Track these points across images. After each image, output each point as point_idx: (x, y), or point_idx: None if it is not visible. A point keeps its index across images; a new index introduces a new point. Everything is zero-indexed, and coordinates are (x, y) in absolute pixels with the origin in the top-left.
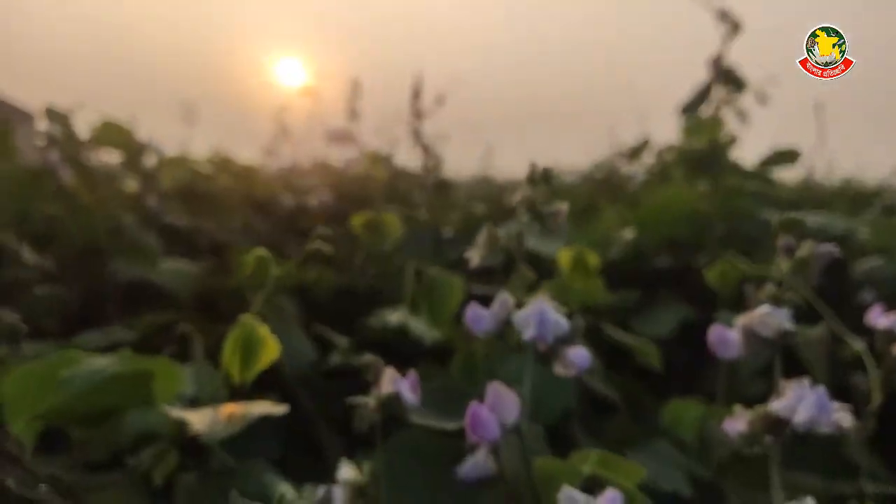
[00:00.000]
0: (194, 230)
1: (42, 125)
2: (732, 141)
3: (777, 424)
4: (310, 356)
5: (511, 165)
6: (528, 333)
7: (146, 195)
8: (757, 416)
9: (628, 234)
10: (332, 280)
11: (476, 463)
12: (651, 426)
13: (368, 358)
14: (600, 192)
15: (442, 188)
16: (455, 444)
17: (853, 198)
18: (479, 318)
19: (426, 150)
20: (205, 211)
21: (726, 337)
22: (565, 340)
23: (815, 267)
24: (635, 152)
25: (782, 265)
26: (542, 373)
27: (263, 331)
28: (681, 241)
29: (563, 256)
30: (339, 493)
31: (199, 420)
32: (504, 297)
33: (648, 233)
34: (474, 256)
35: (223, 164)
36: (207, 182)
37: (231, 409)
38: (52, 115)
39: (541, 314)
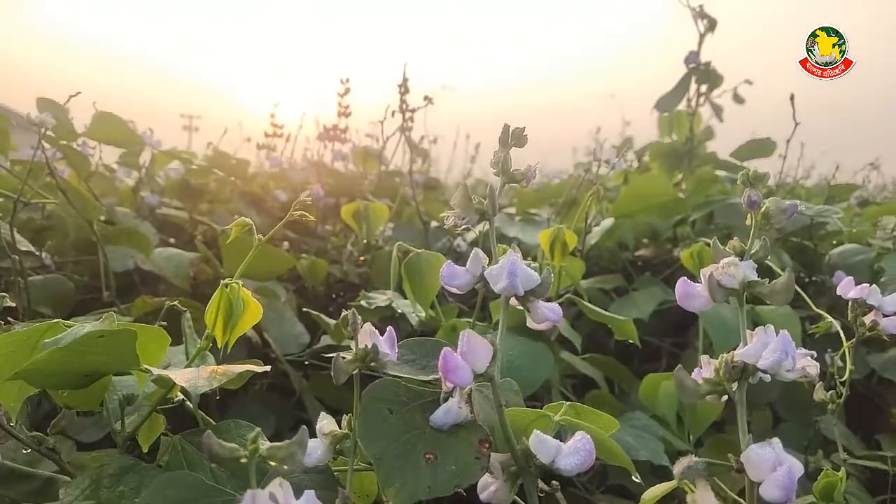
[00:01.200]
0: (189, 222)
1: (36, 116)
2: (709, 135)
3: (742, 370)
4: (302, 339)
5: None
6: (499, 285)
7: (141, 187)
8: (722, 362)
9: (607, 222)
10: (325, 269)
11: (449, 409)
12: (631, 405)
13: (346, 312)
14: (583, 189)
15: (431, 186)
16: (431, 393)
17: (829, 193)
18: (455, 275)
19: (414, 147)
20: (200, 204)
21: (691, 290)
22: (537, 293)
23: (780, 220)
24: (619, 151)
25: (748, 219)
26: (521, 345)
27: (245, 293)
28: (658, 227)
29: (543, 237)
30: (317, 444)
31: (181, 376)
32: (478, 253)
33: (627, 221)
34: (450, 215)
35: (217, 157)
36: (202, 175)
37: (214, 368)
38: (46, 104)
39: (511, 265)
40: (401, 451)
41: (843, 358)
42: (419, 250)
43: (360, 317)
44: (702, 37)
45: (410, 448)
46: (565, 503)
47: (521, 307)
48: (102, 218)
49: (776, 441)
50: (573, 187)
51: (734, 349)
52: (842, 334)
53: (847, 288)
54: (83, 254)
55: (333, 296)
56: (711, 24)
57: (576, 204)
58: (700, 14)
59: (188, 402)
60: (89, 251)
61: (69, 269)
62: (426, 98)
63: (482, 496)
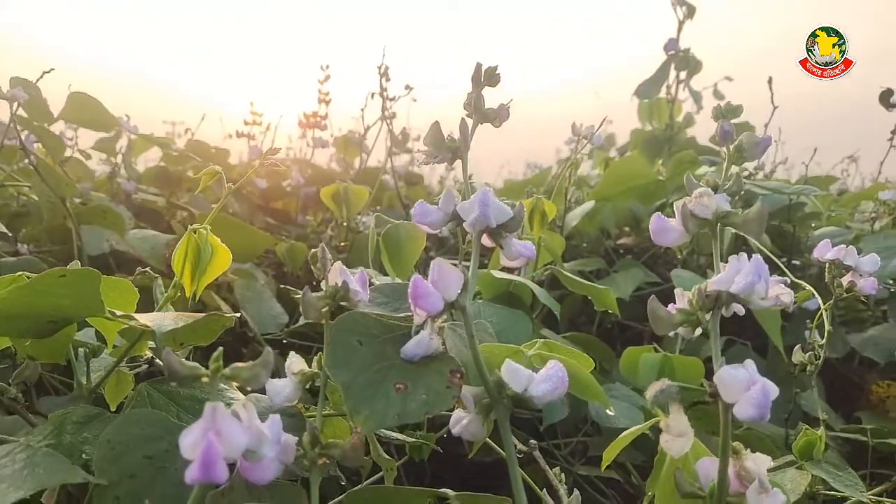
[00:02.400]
0: (167, 209)
1: (8, 91)
2: (689, 122)
3: (715, 299)
4: (280, 319)
5: (486, 166)
6: (470, 217)
7: (118, 172)
8: (695, 292)
9: (588, 205)
10: (304, 253)
11: (420, 340)
12: (613, 381)
13: (316, 249)
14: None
15: (413, 181)
16: (402, 327)
17: (808, 182)
18: (427, 212)
19: (395, 138)
20: (178, 192)
21: (666, 224)
22: (509, 228)
23: (754, 153)
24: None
25: (722, 152)
26: (500, 312)
27: (214, 239)
28: (639, 213)
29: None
30: (286, 383)
31: (146, 317)
32: (450, 191)
33: (608, 205)
34: (421, 154)
35: (196, 144)
36: (180, 162)
37: (179, 313)
38: (18, 82)
39: (483, 196)
40: (370, 381)
41: (820, 330)
42: (397, 221)
43: (330, 254)
44: (681, 24)
45: (380, 378)
46: (543, 461)
47: (495, 245)
48: (78, 200)
49: (749, 362)
50: (555, 178)
51: None
52: (821, 302)
53: (824, 249)
54: (58, 242)
55: (313, 282)
56: (690, 12)
57: (558, 193)
58: (679, 1)
59: (158, 361)
60: (64, 239)
61: (47, 251)
62: (407, 87)
63: (454, 430)
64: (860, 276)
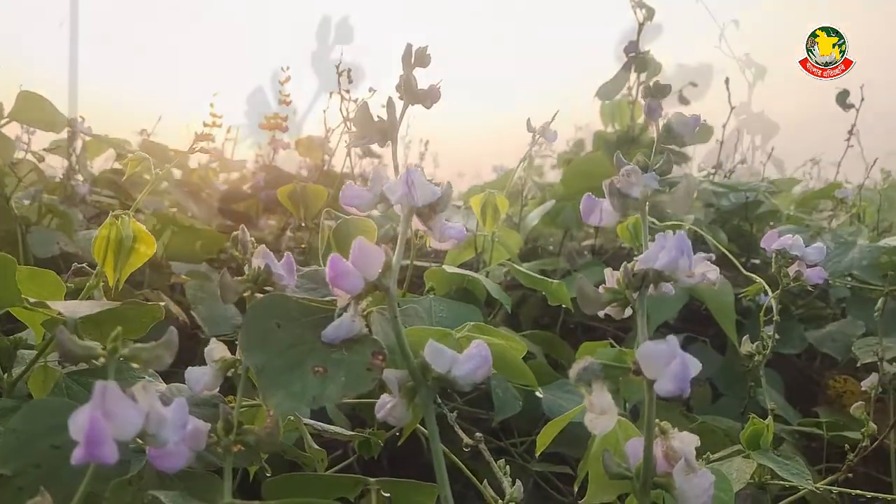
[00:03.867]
0: (121, 209)
1: None
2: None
3: (642, 277)
4: (234, 320)
5: (453, 165)
6: (395, 196)
7: (72, 175)
8: (622, 271)
9: (548, 204)
10: None
11: (342, 323)
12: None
13: (236, 231)
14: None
15: None
16: (324, 311)
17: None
18: (356, 195)
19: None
20: (134, 193)
21: (595, 204)
22: (436, 208)
23: (684, 134)
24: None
25: (651, 132)
26: (451, 305)
27: (137, 226)
28: None
29: (474, 202)
30: (205, 371)
31: (60, 304)
32: (379, 171)
33: (571, 204)
34: (351, 136)
35: (152, 147)
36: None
37: (100, 301)
38: None
39: (408, 176)
40: (287, 363)
41: (770, 324)
42: (349, 216)
43: (248, 234)
44: (640, 26)
45: (298, 361)
46: (488, 453)
47: (425, 228)
48: (27, 202)
49: (671, 337)
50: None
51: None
52: (771, 294)
53: (771, 240)
54: (10, 245)
55: None
56: (649, 14)
57: (514, 189)
58: (639, 3)
59: None
60: (16, 243)
61: None
62: (371, 90)
63: (379, 415)
64: (806, 265)
